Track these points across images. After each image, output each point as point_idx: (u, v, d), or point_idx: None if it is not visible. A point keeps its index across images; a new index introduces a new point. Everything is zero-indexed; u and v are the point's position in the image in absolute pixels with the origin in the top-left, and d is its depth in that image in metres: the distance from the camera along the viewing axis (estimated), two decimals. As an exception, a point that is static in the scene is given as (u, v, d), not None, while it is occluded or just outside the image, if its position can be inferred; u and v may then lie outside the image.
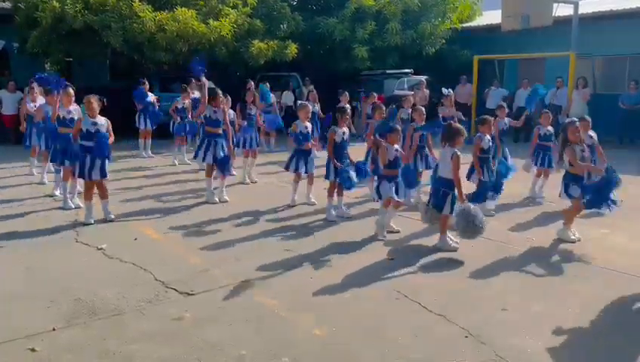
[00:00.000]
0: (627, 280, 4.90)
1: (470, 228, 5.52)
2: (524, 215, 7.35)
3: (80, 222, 6.74)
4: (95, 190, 6.84)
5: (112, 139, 6.77)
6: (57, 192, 8.12)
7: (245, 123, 9.41)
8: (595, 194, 5.71)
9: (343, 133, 6.95)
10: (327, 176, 7.00)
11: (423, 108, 7.98)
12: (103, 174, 6.74)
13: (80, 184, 7.79)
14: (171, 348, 3.73)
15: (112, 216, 6.88)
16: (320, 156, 7.65)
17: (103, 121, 6.71)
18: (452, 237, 5.94)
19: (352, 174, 6.75)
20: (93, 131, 6.60)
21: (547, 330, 4.03)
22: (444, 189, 5.75)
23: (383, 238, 6.14)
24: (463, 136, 5.75)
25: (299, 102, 7.88)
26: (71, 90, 7.57)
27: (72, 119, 7.42)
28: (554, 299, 4.59)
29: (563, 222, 6.23)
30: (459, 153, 5.68)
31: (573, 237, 6.07)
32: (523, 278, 5.07)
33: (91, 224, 6.68)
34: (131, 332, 3.96)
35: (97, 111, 6.68)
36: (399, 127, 6.34)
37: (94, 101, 6.64)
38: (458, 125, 5.99)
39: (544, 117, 8.29)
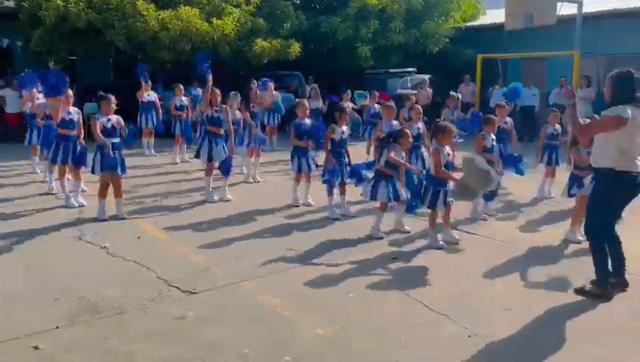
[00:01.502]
0: (633, 281, 4.87)
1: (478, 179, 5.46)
2: (530, 215, 7.33)
3: (82, 220, 6.75)
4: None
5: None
6: (55, 190, 8.14)
7: (258, 130, 9.42)
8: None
9: (342, 131, 6.98)
10: (324, 175, 7.04)
11: (420, 107, 8.01)
12: (124, 170, 6.89)
13: (85, 183, 7.84)
14: (174, 347, 3.73)
15: (125, 215, 6.90)
16: (319, 155, 7.62)
17: (116, 119, 6.81)
18: (453, 234, 6.03)
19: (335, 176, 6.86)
20: (109, 127, 6.71)
21: (551, 330, 4.02)
22: (426, 183, 5.90)
23: (379, 237, 6.15)
24: (447, 134, 5.78)
25: (296, 99, 7.89)
26: (70, 91, 7.59)
27: (71, 120, 7.43)
28: (558, 299, 4.57)
29: (570, 223, 6.21)
30: (441, 148, 5.73)
31: (579, 238, 6.06)
32: (527, 278, 5.05)
33: (105, 220, 6.72)
34: (134, 330, 3.96)
35: (110, 110, 6.77)
36: (409, 132, 6.32)
37: (112, 99, 6.76)
38: (445, 123, 6.08)
39: (552, 116, 8.30)
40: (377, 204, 6.34)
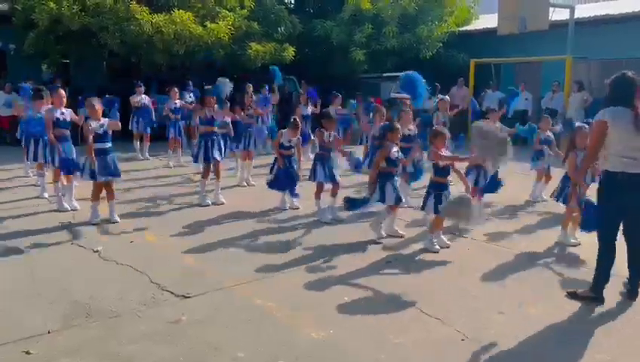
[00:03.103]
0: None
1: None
2: (523, 218, 7.35)
3: (75, 224, 6.72)
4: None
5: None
6: (46, 195, 8.09)
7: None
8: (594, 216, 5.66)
9: (329, 135, 7.09)
10: (310, 178, 7.16)
11: (411, 111, 8.11)
12: (117, 173, 6.86)
13: (77, 185, 7.80)
14: (168, 351, 3.72)
15: (118, 219, 6.87)
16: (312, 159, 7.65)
17: (107, 123, 6.78)
18: (444, 239, 6.06)
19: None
20: (101, 133, 6.68)
21: (544, 334, 4.03)
22: (428, 188, 5.94)
23: (380, 239, 6.19)
24: (438, 138, 5.85)
25: (293, 118, 7.99)
26: (62, 92, 7.58)
27: (65, 120, 7.43)
28: (551, 302, 4.59)
29: (561, 226, 6.24)
30: (435, 150, 5.79)
31: (573, 240, 6.09)
32: (520, 281, 5.07)
33: (97, 224, 6.69)
34: (127, 334, 3.94)
35: (101, 114, 6.73)
36: (398, 126, 6.39)
37: (97, 104, 6.71)
38: (439, 127, 6.21)
39: (543, 123, 8.35)
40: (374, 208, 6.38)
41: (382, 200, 6.19)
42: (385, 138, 6.20)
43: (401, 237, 6.32)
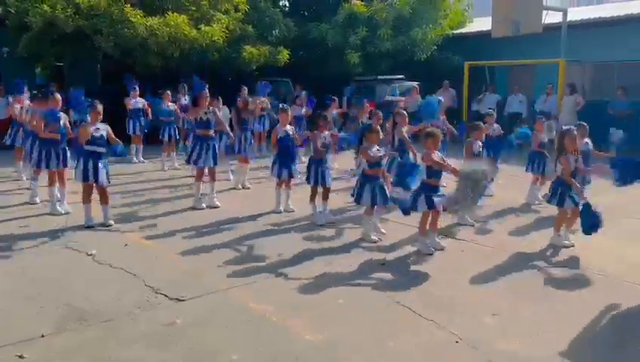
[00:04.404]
0: (616, 286, 4.93)
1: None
2: (517, 220, 7.37)
3: (68, 228, 6.70)
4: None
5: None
6: (38, 199, 8.01)
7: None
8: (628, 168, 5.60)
9: (324, 137, 7.10)
10: (308, 180, 7.12)
11: (405, 112, 8.13)
12: (107, 180, 6.84)
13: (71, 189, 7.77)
14: (162, 354, 3.71)
15: (112, 223, 6.85)
16: (306, 162, 7.65)
17: (103, 127, 6.77)
18: (438, 241, 6.07)
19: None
20: (97, 136, 6.67)
21: (537, 335, 4.04)
22: (418, 190, 5.87)
23: (372, 241, 6.19)
24: (431, 139, 5.87)
25: (280, 105, 8.00)
26: (58, 96, 7.56)
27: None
28: (544, 304, 4.61)
29: (554, 228, 6.26)
30: (430, 153, 5.78)
31: (565, 242, 6.11)
32: (514, 283, 5.09)
33: (92, 227, 6.67)
34: (121, 338, 3.94)
35: (100, 119, 6.75)
36: (378, 127, 6.40)
37: (99, 107, 6.72)
38: (431, 129, 6.17)
39: (539, 124, 8.39)
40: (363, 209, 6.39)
41: (357, 201, 6.24)
42: (362, 140, 6.20)
43: (374, 242, 6.24)
